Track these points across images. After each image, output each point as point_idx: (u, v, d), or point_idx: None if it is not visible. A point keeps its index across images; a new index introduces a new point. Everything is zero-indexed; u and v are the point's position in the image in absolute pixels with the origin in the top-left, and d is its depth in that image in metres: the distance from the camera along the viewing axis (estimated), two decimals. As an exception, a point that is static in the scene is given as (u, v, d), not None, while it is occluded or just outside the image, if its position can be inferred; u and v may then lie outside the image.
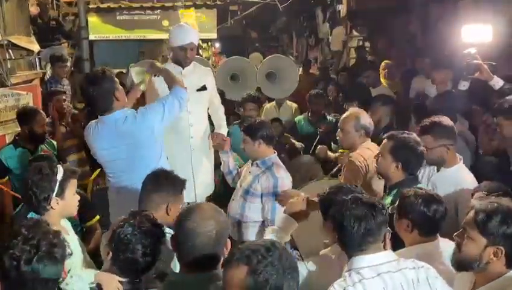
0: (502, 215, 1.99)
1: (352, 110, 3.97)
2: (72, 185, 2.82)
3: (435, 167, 3.44)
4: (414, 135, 3.16)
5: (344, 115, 3.92)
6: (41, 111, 4.77)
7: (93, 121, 3.51)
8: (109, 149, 3.42)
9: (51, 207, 2.72)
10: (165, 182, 2.86)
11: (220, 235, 2.07)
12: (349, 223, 2.10)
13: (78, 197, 2.93)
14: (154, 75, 3.93)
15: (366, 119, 3.82)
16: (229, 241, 2.14)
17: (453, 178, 3.28)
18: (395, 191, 2.99)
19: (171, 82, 3.66)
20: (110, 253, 2.35)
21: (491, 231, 2.00)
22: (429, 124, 3.35)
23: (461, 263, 2.14)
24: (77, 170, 2.97)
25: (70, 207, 2.84)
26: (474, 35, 4.58)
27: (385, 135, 3.30)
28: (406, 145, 3.05)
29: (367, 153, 3.67)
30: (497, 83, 3.78)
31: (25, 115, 4.59)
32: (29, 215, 2.80)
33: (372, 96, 6.01)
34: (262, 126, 3.88)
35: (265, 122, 4.09)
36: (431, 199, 2.59)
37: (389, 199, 2.97)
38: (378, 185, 3.44)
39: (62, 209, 2.78)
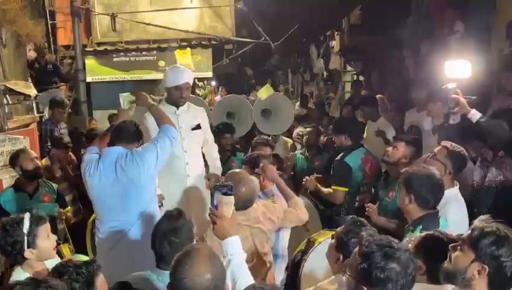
0: (495, 237, 2.05)
1: None
2: (43, 231, 2.79)
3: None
4: (429, 168, 3.14)
5: None
6: (27, 149, 4.85)
7: (92, 156, 3.55)
8: (104, 182, 3.43)
9: (26, 258, 2.74)
10: (186, 239, 2.70)
11: (218, 287, 2.02)
12: (389, 282, 1.99)
13: (55, 238, 2.90)
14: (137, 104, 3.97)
15: None
16: (228, 285, 2.12)
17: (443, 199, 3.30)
18: (420, 228, 2.92)
19: (160, 119, 3.74)
20: None
21: (480, 248, 2.06)
22: (455, 147, 3.51)
23: (448, 273, 2.17)
24: (44, 215, 2.90)
25: (46, 252, 2.81)
26: (455, 71, 4.82)
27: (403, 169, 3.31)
28: (417, 177, 3.03)
29: None
30: (474, 116, 3.91)
31: (12, 158, 4.67)
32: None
33: (371, 129, 6.09)
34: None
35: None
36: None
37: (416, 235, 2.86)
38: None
39: (38, 256, 2.77)
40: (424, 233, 2.63)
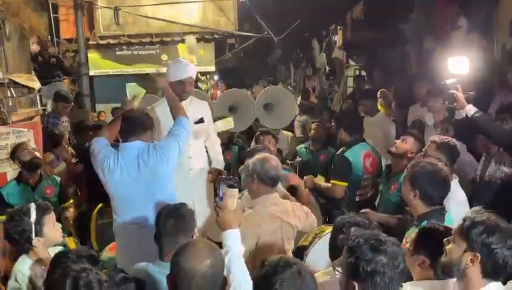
0: (485, 226, 2.09)
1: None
2: (49, 220, 2.96)
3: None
4: (438, 164, 3.14)
5: None
6: (25, 142, 4.92)
7: (107, 150, 3.44)
8: (125, 178, 3.34)
9: (34, 246, 2.90)
10: (189, 224, 2.80)
11: (216, 275, 2.07)
12: (376, 274, 1.98)
13: (60, 226, 3.10)
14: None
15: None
16: (226, 279, 2.15)
17: None
18: (424, 224, 2.91)
19: (176, 110, 3.70)
20: None
21: (471, 237, 2.09)
22: (443, 138, 3.59)
23: (445, 266, 2.20)
24: (49, 205, 3.06)
25: (53, 239, 3.00)
26: (456, 67, 4.90)
27: (410, 163, 3.30)
28: (423, 173, 3.03)
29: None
30: (470, 111, 3.97)
31: (12, 153, 4.77)
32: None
33: (369, 124, 6.10)
34: None
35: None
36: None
37: None
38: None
39: (45, 243, 2.95)
40: (418, 228, 2.65)
